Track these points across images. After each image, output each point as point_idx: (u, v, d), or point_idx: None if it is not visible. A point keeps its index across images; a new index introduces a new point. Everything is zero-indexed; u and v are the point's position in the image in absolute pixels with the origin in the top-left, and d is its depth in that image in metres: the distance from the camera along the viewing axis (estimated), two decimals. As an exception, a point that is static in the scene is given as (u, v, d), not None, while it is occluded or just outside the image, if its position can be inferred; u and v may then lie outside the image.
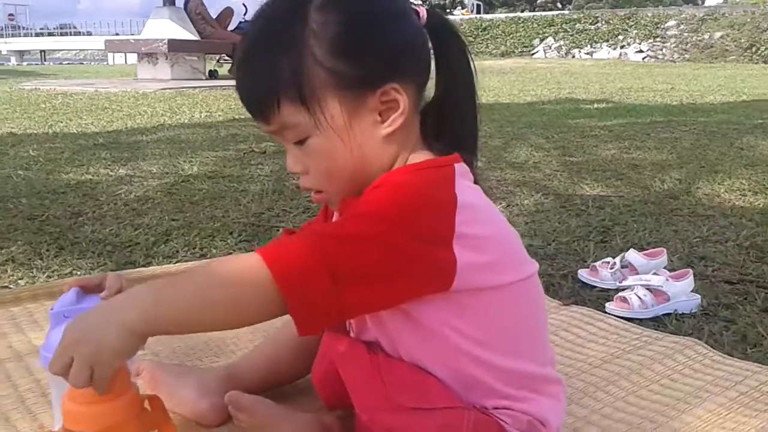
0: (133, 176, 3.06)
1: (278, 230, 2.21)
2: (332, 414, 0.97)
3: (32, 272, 1.79)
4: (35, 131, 4.67)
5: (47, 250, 1.97)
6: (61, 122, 5.16)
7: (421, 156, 0.86)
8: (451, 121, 0.88)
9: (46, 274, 1.78)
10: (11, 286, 1.69)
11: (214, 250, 2.00)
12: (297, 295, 0.72)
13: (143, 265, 1.84)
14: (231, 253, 1.96)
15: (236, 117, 5.51)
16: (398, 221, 0.75)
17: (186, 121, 5.30)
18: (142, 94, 7.53)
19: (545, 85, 9.39)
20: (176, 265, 1.81)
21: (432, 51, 0.87)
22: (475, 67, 0.89)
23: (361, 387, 0.84)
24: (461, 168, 0.84)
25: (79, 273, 1.79)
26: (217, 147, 3.93)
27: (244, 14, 11.11)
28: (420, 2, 0.98)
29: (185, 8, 9.85)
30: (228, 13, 10.58)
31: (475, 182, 0.88)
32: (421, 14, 0.86)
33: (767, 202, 2.62)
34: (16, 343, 1.33)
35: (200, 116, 5.58)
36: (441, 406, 0.83)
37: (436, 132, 0.88)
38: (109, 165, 3.34)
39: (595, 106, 6.35)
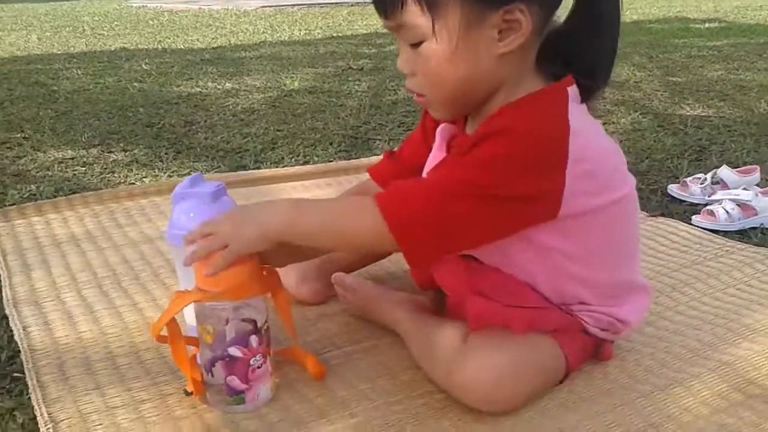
0: (239, 90, 3.23)
1: (375, 142, 2.32)
2: (424, 294, 1.09)
3: (155, 172, 1.98)
4: (145, 47, 4.91)
5: (166, 154, 2.16)
6: (169, 38, 5.39)
7: (530, 83, 0.87)
8: (583, 48, 0.88)
9: (167, 174, 1.96)
10: (138, 183, 1.88)
11: (315, 158, 2.14)
12: (409, 243, 0.83)
13: (253, 169, 1.99)
14: (331, 161, 2.09)
15: (334, 35, 5.59)
16: (510, 173, 0.81)
17: (286, 38, 5.42)
18: (243, 12, 7.69)
19: (654, 2, 8.93)
20: (284, 169, 1.95)
21: None
22: None
23: (455, 287, 0.94)
24: (573, 91, 0.87)
25: (197, 171, 1.96)
26: (316, 64, 4.04)
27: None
28: None
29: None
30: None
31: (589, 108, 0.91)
32: None
33: None
34: (147, 229, 1.51)
35: (300, 34, 5.69)
36: (529, 306, 0.92)
37: (564, 57, 0.88)
38: (216, 79, 3.51)
39: (706, 25, 6.04)
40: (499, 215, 0.83)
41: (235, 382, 0.89)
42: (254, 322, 0.89)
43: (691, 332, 1.08)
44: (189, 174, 1.96)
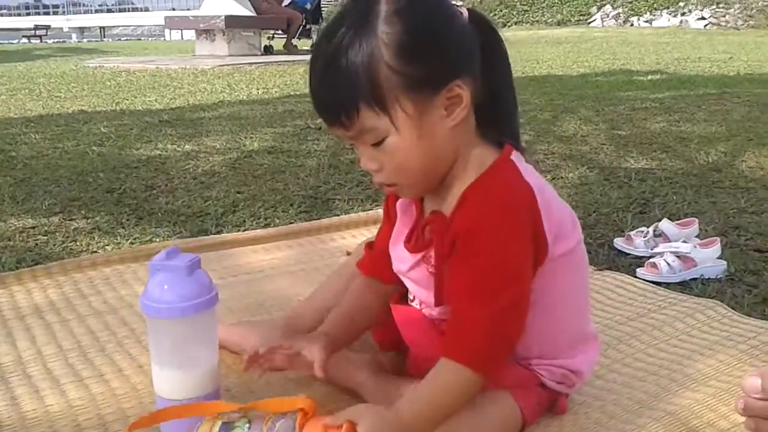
0: (199, 152, 3.27)
1: (335, 202, 2.38)
2: (385, 355, 1.13)
3: (116, 239, 2.01)
4: (104, 108, 4.94)
5: (127, 220, 2.18)
6: (127, 100, 5.43)
7: (478, 148, 0.96)
8: (498, 111, 0.99)
9: (129, 241, 1.99)
10: (100, 251, 1.90)
11: (276, 220, 2.19)
12: (494, 370, 0.93)
13: (215, 233, 2.03)
14: (292, 223, 2.14)
15: (291, 93, 5.70)
16: (518, 271, 0.92)
17: (244, 97, 5.51)
18: (200, 70, 7.78)
19: (600, 55, 9.30)
20: (245, 233, 2.00)
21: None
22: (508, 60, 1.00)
23: (420, 342, 1.01)
24: (516, 155, 0.97)
25: (158, 240, 1.99)
26: (275, 123, 4.11)
27: (299, -11, 11.26)
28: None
29: (242, -15, 10.04)
30: (283, -12, 10.75)
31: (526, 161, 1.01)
32: (463, 13, 0.96)
33: (811, 174, 2.67)
34: (110, 299, 1.54)
35: (257, 92, 5.79)
36: None
37: (486, 122, 0.98)
38: (176, 141, 3.56)
39: (649, 77, 6.33)
40: (526, 301, 0.93)
41: None
42: None
43: (638, 384, 1.15)
44: (151, 241, 2.00)
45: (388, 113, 0.89)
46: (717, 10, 17.25)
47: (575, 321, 1.05)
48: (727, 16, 17.02)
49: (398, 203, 1.07)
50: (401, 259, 1.05)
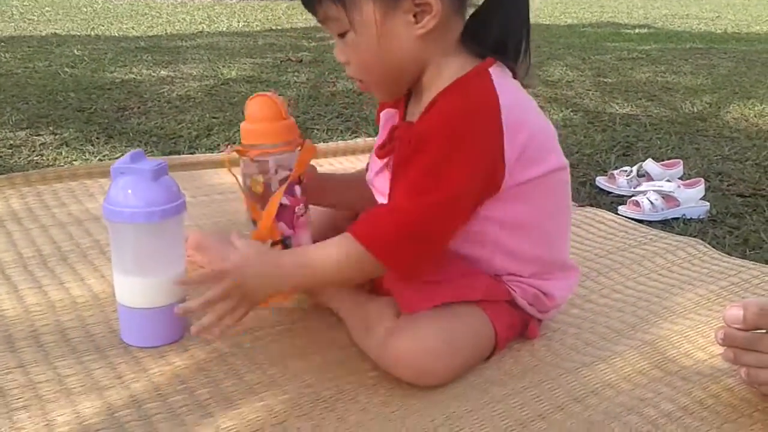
0: (175, 77, 3.17)
1: (313, 132, 2.31)
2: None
3: (85, 156, 1.93)
4: (78, 33, 4.78)
5: (97, 138, 2.10)
6: (103, 26, 5.26)
7: (457, 61, 0.91)
8: (496, 26, 0.92)
9: (97, 158, 1.92)
10: (67, 166, 1.83)
11: (252, 145, 2.12)
12: (399, 263, 0.89)
13: (188, 155, 1.96)
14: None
15: (273, 27, 5.56)
16: (457, 168, 0.86)
17: (224, 29, 5.36)
18: (180, 2, 7.56)
19: (588, 8, 9.18)
20: (219, 155, 1.93)
21: None
22: None
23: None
24: (497, 70, 0.91)
25: (127, 158, 1.92)
26: (254, 54, 4.00)
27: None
28: None
29: None
30: None
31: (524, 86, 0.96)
32: None
33: (795, 127, 2.65)
34: (75, 211, 1.48)
35: (238, 25, 5.63)
36: (458, 274, 0.95)
37: (481, 36, 0.92)
38: (151, 66, 3.44)
39: (636, 31, 6.25)
40: (461, 208, 0.89)
41: (282, 227, 1.00)
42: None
43: (615, 314, 1.12)
44: (121, 158, 1.92)
45: (347, 9, 0.87)
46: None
47: (549, 246, 1.00)
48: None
49: (382, 113, 1.03)
50: (372, 166, 1.04)
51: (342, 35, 0.91)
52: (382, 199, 1.02)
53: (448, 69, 0.91)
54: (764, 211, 1.71)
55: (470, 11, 0.94)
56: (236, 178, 1.04)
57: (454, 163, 0.86)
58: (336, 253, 0.89)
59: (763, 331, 0.86)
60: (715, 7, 9.97)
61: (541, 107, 2.86)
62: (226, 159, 1.01)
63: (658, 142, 2.33)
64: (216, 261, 1.13)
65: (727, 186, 1.90)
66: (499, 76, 0.90)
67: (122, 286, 1.00)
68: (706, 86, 3.49)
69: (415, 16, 0.87)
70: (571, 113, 2.73)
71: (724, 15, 8.41)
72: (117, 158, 1.90)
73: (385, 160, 0.98)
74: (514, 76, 0.95)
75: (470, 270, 0.96)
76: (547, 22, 6.80)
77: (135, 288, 0.98)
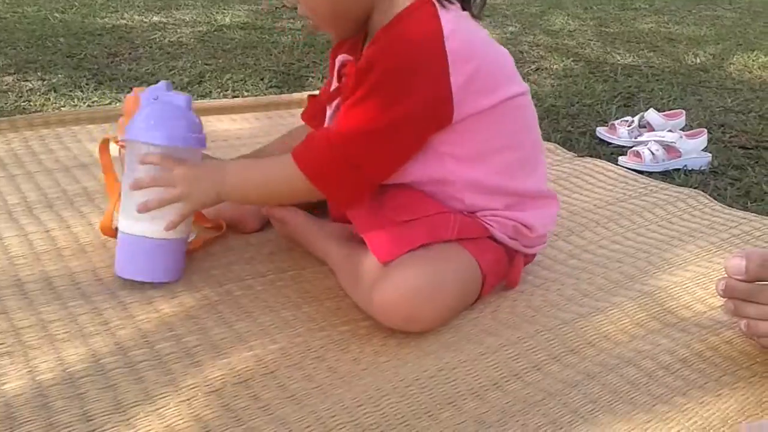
0: (167, 23, 3.09)
1: (308, 79, 2.26)
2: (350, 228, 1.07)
3: (73, 101, 1.88)
4: (69, -23, 4.65)
5: (86, 84, 2.05)
6: (94, -30, 5.12)
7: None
8: None
9: (86, 104, 1.87)
10: (55, 112, 1.78)
11: (246, 93, 2.07)
12: (329, 188, 0.91)
13: (178, 102, 1.91)
14: (262, 96, 2.03)
15: (269, -27, 5.42)
16: (394, 93, 0.85)
17: (219, -26, 5.22)
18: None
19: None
20: (213, 101, 1.89)
21: None
22: None
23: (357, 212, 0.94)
24: (446, 3, 0.89)
25: (118, 104, 1.88)
26: (250, 1, 3.90)
27: None
28: None
29: None
30: None
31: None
32: None
33: (799, 79, 2.60)
34: (62, 158, 1.44)
35: (233, -29, 5.49)
36: (428, 214, 0.92)
37: None
38: (143, 12, 3.35)
39: (640, -20, 6.11)
40: (401, 138, 0.88)
41: None
42: None
43: (614, 265, 1.10)
44: (110, 104, 1.88)
45: None
46: None
47: (515, 176, 0.96)
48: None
49: (337, 58, 1.02)
50: (325, 112, 1.04)
51: None
52: None
53: (396, 6, 0.90)
54: (766, 163, 1.67)
55: None
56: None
57: (394, 91, 0.86)
58: (276, 169, 0.93)
59: (765, 282, 0.84)
60: (721, -43, 9.75)
61: (542, 56, 2.82)
62: (108, 138, 1.07)
63: (660, 93, 2.28)
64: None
65: (729, 138, 1.86)
66: (443, 7, 0.89)
67: (128, 211, 0.96)
68: (709, 37, 3.42)
69: None
70: (572, 63, 2.67)
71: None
72: (106, 104, 1.88)
73: (335, 102, 0.98)
74: (464, 9, 0.93)
75: (441, 209, 0.94)
76: (549, -29, 6.64)
77: (144, 217, 0.95)
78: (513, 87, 0.93)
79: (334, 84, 1.03)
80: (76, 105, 1.85)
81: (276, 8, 3.65)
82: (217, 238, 1.12)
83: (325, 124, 1.05)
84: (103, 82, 2.08)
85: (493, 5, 4.00)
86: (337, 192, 0.91)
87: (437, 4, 0.89)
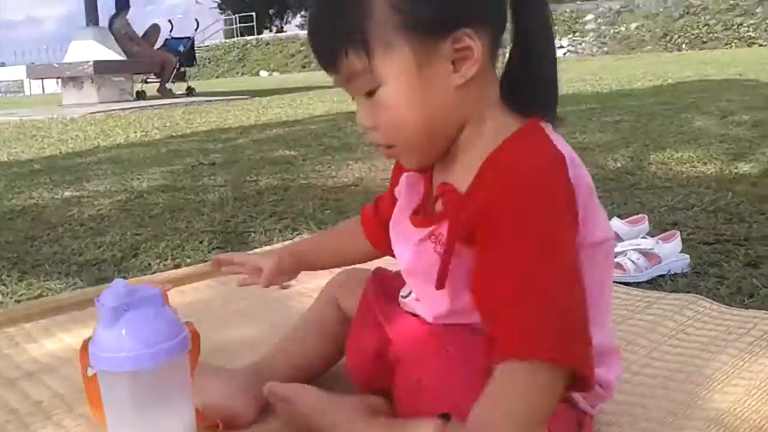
0: (81, 197, 2.94)
1: (250, 235, 2.14)
2: (374, 396, 0.93)
3: (-1, 297, 1.69)
4: (-37, 163, 4.44)
5: (8, 276, 1.85)
6: (-11, 153, 4.93)
7: (497, 116, 0.80)
8: (527, 76, 0.81)
9: (13, 299, 1.67)
10: (-22, 312, 1.58)
11: (188, 259, 1.93)
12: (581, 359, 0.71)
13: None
14: (206, 261, 1.88)
15: (173, 134, 5.39)
16: (562, 242, 0.72)
17: (122, 141, 5.14)
18: (70, 119, 7.28)
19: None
20: (157, 275, 1.73)
21: None
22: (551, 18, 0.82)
23: (427, 364, 0.82)
24: (547, 126, 0.80)
25: (49, 293, 1.69)
26: (162, 163, 3.81)
27: (170, 31, 10.89)
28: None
29: (110, 28, 9.56)
30: (155, 30, 10.33)
31: None
32: None
33: (717, 169, 2.70)
34: (1, 368, 1.24)
35: (136, 136, 5.42)
36: None
37: (512, 88, 0.81)
38: (52, 189, 3.19)
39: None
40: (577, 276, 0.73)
41: None
42: None
43: (660, 392, 1.00)
44: (41, 296, 1.69)
45: (381, 59, 0.75)
46: (574, 38, 18.31)
47: (601, 327, 0.86)
48: (583, 44, 18.10)
49: (404, 177, 0.91)
50: (404, 236, 0.88)
51: (370, 93, 0.79)
52: (417, 275, 0.87)
53: (490, 125, 0.79)
54: (737, 255, 1.66)
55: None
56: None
57: (556, 249, 0.72)
58: (513, 386, 0.70)
59: None
60: (593, 70, 10.56)
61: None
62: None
63: (603, 201, 2.29)
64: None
65: (689, 235, 1.86)
66: (550, 130, 0.80)
67: None
68: (618, 142, 3.57)
69: (453, 62, 0.76)
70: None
71: (604, 77, 8.87)
72: (36, 296, 1.69)
73: (428, 230, 0.83)
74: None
75: None
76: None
77: None
78: (605, 226, 0.84)
79: (407, 201, 0.89)
80: (1, 302, 1.66)
81: (192, 167, 3.57)
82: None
83: (399, 250, 0.90)
84: (27, 271, 1.89)
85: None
86: (587, 358, 0.72)
87: (544, 127, 0.79)
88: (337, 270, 1.16)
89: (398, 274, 0.97)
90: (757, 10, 16.12)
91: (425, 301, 0.88)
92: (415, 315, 0.90)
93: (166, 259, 1.94)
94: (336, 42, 0.76)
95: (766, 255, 1.66)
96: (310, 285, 1.61)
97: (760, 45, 15.10)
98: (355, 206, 2.42)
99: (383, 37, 0.75)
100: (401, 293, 0.94)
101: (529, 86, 0.80)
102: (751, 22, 15.98)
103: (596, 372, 0.83)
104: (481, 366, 0.75)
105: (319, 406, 0.90)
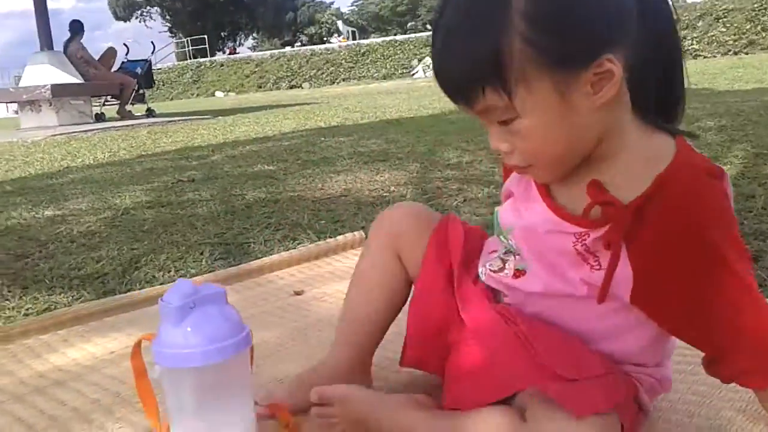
0: (65, 215, 2.89)
1: (250, 246, 2.14)
2: (419, 394, 0.94)
3: (5, 312, 1.65)
4: (-73, 188, 4.32)
5: (9, 291, 1.82)
6: (-48, 177, 4.80)
7: (635, 129, 0.81)
8: (657, 88, 0.82)
9: (21, 313, 1.64)
10: (-13, 328, 1.54)
11: (192, 270, 1.92)
12: None
13: (123, 293, 1.73)
14: (210, 272, 1.88)
15: (143, 153, 5.33)
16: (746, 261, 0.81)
17: (91, 161, 5.06)
18: (32, 142, 7.14)
19: (438, 101, 9.60)
20: (163, 287, 1.71)
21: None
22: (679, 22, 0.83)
23: (506, 358, 0.83)
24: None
25: (57, 306, 1.66)
26: (139, 181, 3.77)
27: (126, 54, 10.80)
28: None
29: (65, 52, 9.44)
30: (111, 53, 10.23)
31: None
32: None
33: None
34: (26, 378, 1.22)
35: (104, 156, 5.35)
36: (598, 374, 0.81)
37: (642, 100, 0.81)
38: (32, 208, 3.13)
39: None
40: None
41: None
42: None
43: (705, 423, 0.95)
44: (49, 309, 1.66)
45: (521, 96, 0.74)
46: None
47: None
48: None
49: (511, 179, 0.92)
50: (533, 212, 0.87)
51: (505, 122, 0.77)
52: (535, 254, 0.88)
53: (634, 137, 0.80)
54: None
55: None
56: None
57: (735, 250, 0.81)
58: None
59: None
60: (387, 103, 10.68)
61: (461, 188, 2.83)
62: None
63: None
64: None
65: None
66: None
67: None
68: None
69: (592, 86, 0.75)
70: (494, 189, 2.73)
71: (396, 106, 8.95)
72: (45, 310, 1.66)
73: (577, 228, 0.83)
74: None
75: (609, 368, 0.84)
76: (410, 115, 7.01)
77: None
78: None
79: (535, 202, 0.87)
80: (9, 316, 1.62)
81: (172, 184, 3.53)
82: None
83: (524, 222, 0.88)
84: (29, 286, 1.86)
85: (386, 150, 4.11)
86: None
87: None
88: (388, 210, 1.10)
89: (472, 230, 0.99)
90: (698, 24, 16.68)
91: (533, 276, 0.88)
92: (492, 290, 0.93)
93: (169, 271, 1.93)
94: (470, 81, 0.75)
95: (762, 249, 1.73)
96: (326, 290, 1.63)
97: (705, 57, 15.60)
98: (348, 215, 2.43)
99: (522, 73, 0.73)
100: (490, 266, 0.94)
101: (658, 96, 0.82)
102: (695, 35, 16.52)
103: (657, 371, 0.88)
104: (557, 361, 0.79)
105: (372, 404, 0.92)
